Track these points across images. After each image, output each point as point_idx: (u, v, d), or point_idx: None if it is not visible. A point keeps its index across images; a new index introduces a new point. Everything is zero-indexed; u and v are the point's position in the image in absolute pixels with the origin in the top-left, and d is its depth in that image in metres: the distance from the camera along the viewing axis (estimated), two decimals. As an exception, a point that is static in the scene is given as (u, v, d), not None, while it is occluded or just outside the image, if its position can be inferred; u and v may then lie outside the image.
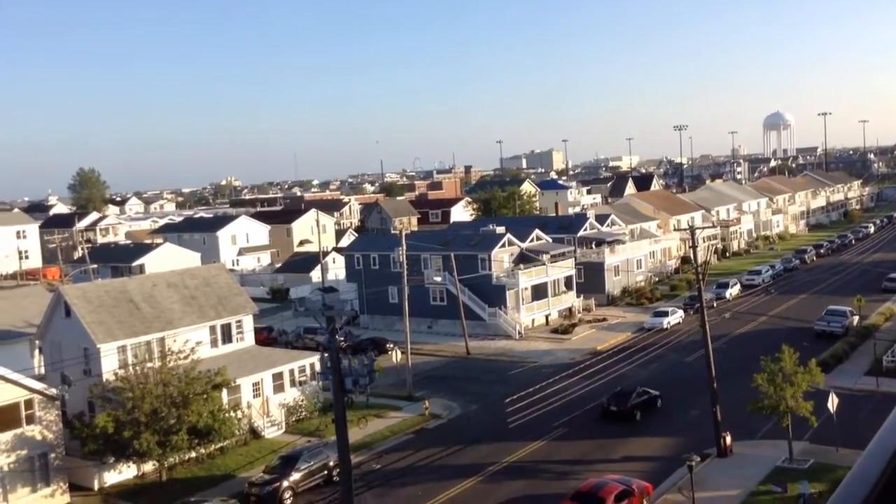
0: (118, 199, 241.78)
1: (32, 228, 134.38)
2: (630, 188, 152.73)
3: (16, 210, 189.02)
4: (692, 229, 47.38)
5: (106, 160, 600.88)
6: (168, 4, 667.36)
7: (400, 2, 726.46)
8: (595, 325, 71.07)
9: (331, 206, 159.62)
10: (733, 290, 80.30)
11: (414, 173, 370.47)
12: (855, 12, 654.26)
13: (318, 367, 45.80)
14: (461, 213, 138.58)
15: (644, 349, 61.59)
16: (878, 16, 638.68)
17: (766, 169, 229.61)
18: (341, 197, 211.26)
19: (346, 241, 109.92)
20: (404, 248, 58.26)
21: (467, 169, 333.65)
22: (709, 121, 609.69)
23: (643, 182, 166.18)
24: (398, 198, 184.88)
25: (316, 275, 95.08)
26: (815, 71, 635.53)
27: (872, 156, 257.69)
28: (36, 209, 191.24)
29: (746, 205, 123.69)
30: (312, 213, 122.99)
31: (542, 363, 59.25)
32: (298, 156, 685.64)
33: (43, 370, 47.83)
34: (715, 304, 73.51)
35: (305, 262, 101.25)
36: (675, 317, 69.44)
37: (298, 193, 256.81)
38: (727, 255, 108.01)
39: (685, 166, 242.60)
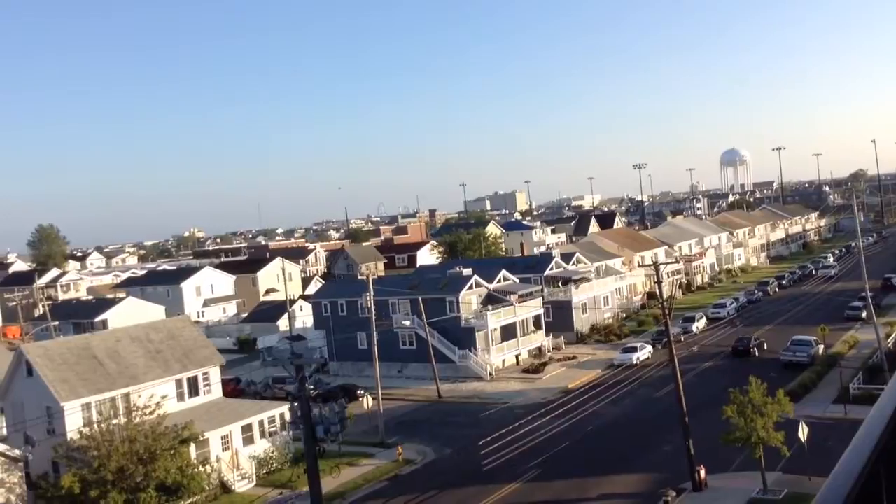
0: (79, 254, 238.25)
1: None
2: (593, 226, 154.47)
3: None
4: (656, 265, 47.99)
5: (65, 216, 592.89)
6: (126, 59, 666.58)
7: (361, 49, 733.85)
8: (565, 363, 71.17)
9: (296, 254, 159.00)
10: (700, 324, 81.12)
11: (379, 218, 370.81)
12: (804, 49, 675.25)
13: (287, 417, 45.10)
14: (428, 256, 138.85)
15: (615, 386, 61.75)
16: (826, 52, 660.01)
17: (725, 204, 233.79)
18: (306, 244, 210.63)
19: (312, 289, 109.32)
20: (371, 293, 58.11)
21: (432, 212, 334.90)
22: (667, 158, 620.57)
23: (606, 220, 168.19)
24: (364, 243, 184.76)
25: (283, 323, 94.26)
26: (769, 107, 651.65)
27: (827, 188, 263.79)
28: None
29: (708, 239, 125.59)
30: (278, 261, 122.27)
31: (514, 404, 59.08)
32: (262, 205, 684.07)
33: (5, 431, 46.58)
34: (682, 339, 74.11)
35: (272, 311, 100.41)
36: (644, 352, 69.87)
37: (263, 242, 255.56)
38: (692, 289, 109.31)
39: (646, 203, 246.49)
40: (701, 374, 62.34)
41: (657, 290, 46.28)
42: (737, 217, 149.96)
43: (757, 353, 66.90)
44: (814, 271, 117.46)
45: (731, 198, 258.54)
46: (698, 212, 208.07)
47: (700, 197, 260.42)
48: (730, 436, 37.32)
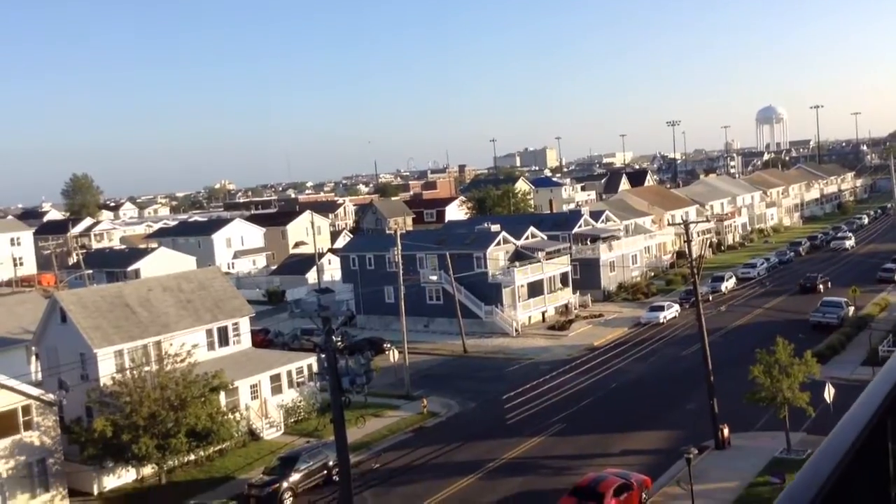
0: (112, 204, 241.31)
1: (27, 235, 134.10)
2: (624, 184, 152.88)
3: (9, 217, 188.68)
4: (686, 224, 47.51)
5: (99, 166, 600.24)
6: (159, 11, 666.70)
7: (388, 4, 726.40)
8: (591, 321, 71.17)
9: (325, 208, 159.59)
10: (729, 284, 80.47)
11: (408, 173, 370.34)
12: (846, 6, 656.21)
13: (315, 368, 45.81)
14: (456, 212, 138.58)
15: (641, 344, 61.72)
16: (869, 10, 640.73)
17: (759, 163, 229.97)
18: (336, 198, 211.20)
19: (341, 243, 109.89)
20: (399, 247, 58.30)
21: (461, 168, 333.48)
22: (701, 116, 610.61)
23: (637, 178, 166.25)
24: (393, 198, 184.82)
25: (312, 276, 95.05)
26: (807, 64, 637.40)
27: (865, 147, 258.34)
28: (30, 216, 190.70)
29: (740, 198, 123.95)
30: (307, 214, 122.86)
31: (539, 360, 59.35)
32: (292, 158, 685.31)
33: (40, 376, 47.74)
34: (710, 298, 73.67)
35: (301, 263, 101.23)
36: (672, 311, 69.58)
37: (293, 195, 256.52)
38: (722, 248, 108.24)
39: (679, 161, 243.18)
40: (728, 333, 62.05)
41: (686, 249, 45.91)
42: (771, 176, 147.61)
43: (822, 290, 73.12)
44: (823, 243, 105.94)
45: (766, 156, 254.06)
46: (732, 170, 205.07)
47: (734, 155, 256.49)
48: (755, 395, 37.24)
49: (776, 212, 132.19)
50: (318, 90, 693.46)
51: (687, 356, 55.33)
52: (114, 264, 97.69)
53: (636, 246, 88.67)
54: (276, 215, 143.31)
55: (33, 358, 50.54)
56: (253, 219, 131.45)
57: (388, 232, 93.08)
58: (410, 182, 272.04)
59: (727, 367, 46.80)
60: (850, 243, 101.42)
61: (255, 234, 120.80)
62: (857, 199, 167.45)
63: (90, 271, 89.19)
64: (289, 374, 48.81)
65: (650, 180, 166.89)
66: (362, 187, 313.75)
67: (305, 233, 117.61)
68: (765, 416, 39.91)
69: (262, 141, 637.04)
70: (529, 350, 62.62)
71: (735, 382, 41.74)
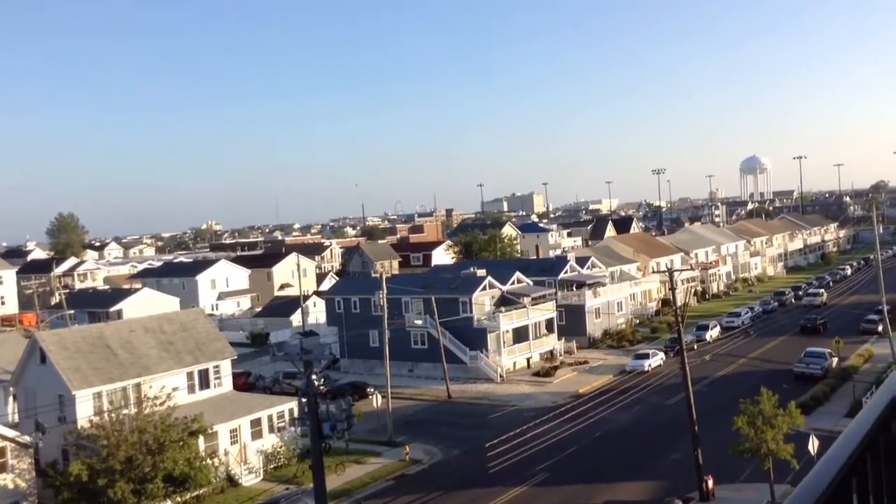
0: (97, 244, 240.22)
1: (9, 274, 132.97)
2: (610, 231, 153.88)
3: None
4: (671, 271, 47.77)
5: (85, 205, 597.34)
6: (148, 52, 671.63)
7: (380, 50, 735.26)
8: (577, 367, 70.95)
9: (312, 250, 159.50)
10: (713, 333, 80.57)
11: (395, 217, 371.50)
12: (828, 58, 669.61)
13: (296, 413, 45.33)
14: (442, 256, 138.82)
15: (626, 392, 61.46)
16: (850, 63, 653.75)
17: (743, 212, 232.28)
18: (323, 241, 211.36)
19: (327, 285, 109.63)
20: (385, 291, 58.18)
21: (448, 212, 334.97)
22: (686, 164, 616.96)
23: (623, 225, 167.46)
24: (379, 241, 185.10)
25: (296, 319, 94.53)
26: (790, 115, 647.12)
27: (848, 199, 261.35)
28: (13, 254, 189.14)
29: (725, 247, 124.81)
30: (293, 256, 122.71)
31: (523, 407, 58.95)
32: (279, 200, 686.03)
33: (17, 417, 46.97)
34: (695, 347, 73.67)
35: (286, 306, 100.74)
36: (656, 359, 69.50)
37: (279, 237, 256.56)
38: (707, 297, 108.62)
39: (664, 209, 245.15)
40: (712, 383, 61.95)
41: (671, 297, 46.05)
42: (755, 225, 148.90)
43: (822, 331, 76.11)
44: (792, 299, 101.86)
45: (749, 206, 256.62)
46: (716, 219, 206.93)
47: (718, 204, 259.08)
48: (739, 446, 37.03)
49: (760, 261, 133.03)
50: (306, 133, 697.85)
51: (671, 405, 55.11)
52: (96, 304, 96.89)
53: (621, 293, 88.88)
54: (262, 257, 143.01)
55: (10, 399, 49.75)
56: (239, 260, 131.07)
57: (374, 275, 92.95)
58: (398, 225, 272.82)
59: (712, 417, 46.63)
60: (821, 300, 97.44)
61: (240, 276, 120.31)
62: (840, 250, 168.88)
63: (72, 311, 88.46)
64: (269, 418, 48.20)
65: (636, 227, 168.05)
66: (349, 230, 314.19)
67: (291, 275, 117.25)
68: (749, 467, 39.66)
69: (249, 183, 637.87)
70: (514, 396, 62.23)
71: (719, 433, 41.54)
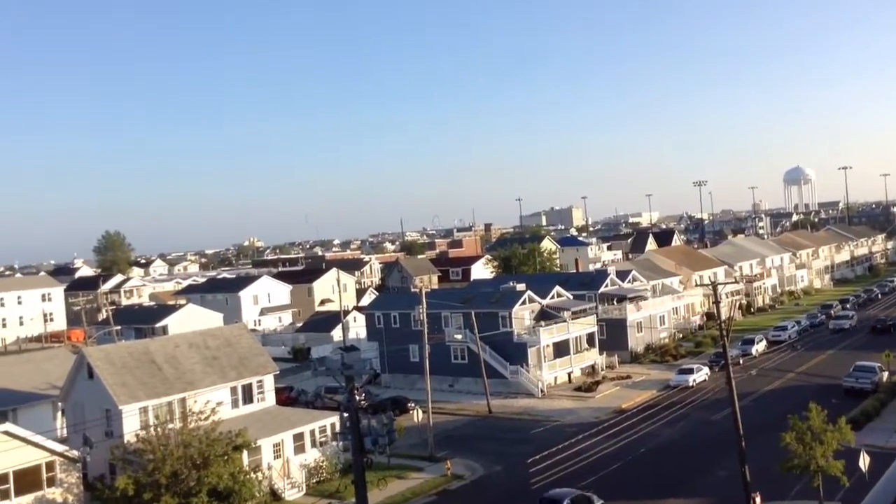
0: (143, 261, 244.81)
1: (58, 291, 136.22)
2: (651, 244, 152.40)
3: (42, 273, 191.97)
4: (715, 284, 47.05)
5: (131, 223, 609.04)
6: (190, 72, 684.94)
7: (417, 61, 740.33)
8: (619, 382, 70.21)
9: (352, 266, 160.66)
10: (759, 347, 79.20)
11: (434, 231, 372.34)
12: (874, 68, 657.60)
13: (338, 428, 45.50)
14: (482, 270, 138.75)
15: (670, 407, 60.62)
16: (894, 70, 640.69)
17: (788, 223, 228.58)
18: (362, 256, 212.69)
19: (366, 300, 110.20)
20: (424, 306, 58.25)
21: (487, 226, 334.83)
22: (728, 176, 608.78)
23: (664, 238, 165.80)
24: (418, 256, 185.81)
25: (337, 334, 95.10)
26: (835, 125, 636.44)
27: (895, 209, 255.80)
28: (61, 272, 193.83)
29: (770, 260, 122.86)
30: (333, 272, 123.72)
31: (565, 422, 58.46)
32: (319, 217, 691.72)
33: (65, 432, 47.88)
34: (741, 361, 72.51)
35: (326, 321, 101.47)
36: (701, 374, 68.48)
37: (320, 253, 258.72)
38: (752, 310, 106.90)
39: (706, 221, 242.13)
40: (759, 398, 60.82)
41: (715, 311, 45.37)
42: (800, 237, 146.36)
43: (893, 332, 77.94)
44: (878, 295, 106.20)
45: (794, 217, 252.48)
46: (760, 231, 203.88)
47: (762, 216, 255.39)
48: (788, 463, 36.21)
49: (806, 273, 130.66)
50: (345, 148, 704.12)
51: (717, 421, 54.22)
52: (142, 320, 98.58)
53: (664, 306, 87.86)
54: (302, 272, 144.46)
55: (59, 414, 50.75)
56: (280, 276, 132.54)
57: (413, 290, 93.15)
58: (436, 240, 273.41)
59: (759, 433, 45.76)
60: (850, 323, 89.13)
61: (281, 292, 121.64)
62: (888, 261, 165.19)
63: (119, 327, 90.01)
64: (312, 433, 48.43)
65: (677, 240, 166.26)
66: (388, 245, 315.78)
67: (331, 290, 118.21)
68: (797, 484, 38.78)
69: (290, 199, 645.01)
70: (556, 412, 61.74)
71: (767, 449, 40.74)
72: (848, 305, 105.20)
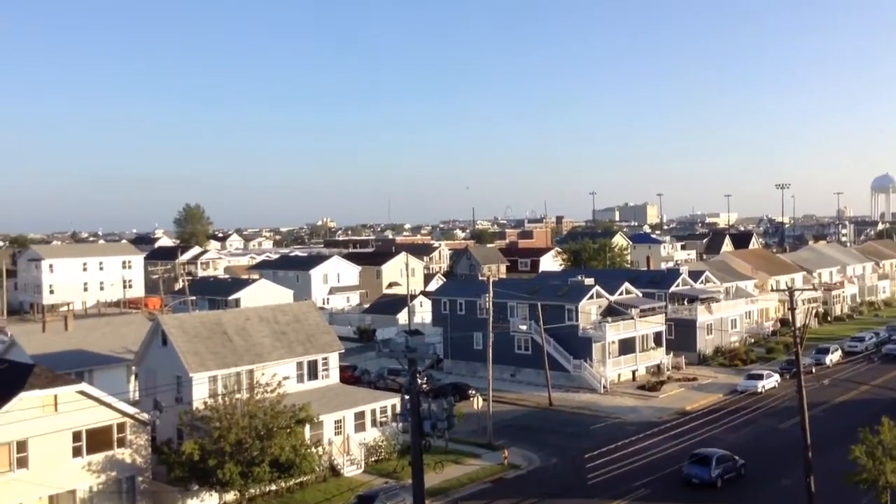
0: (220, 234, 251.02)
1: (138, 259, 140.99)
2: (727, 245, 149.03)
3: (123, 241, 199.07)
4: (791, 290, 45.70)
5: (211, 197, 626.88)
6: (276, 54, 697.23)
7: (503, 60, 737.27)
8: (684, 384, 68.98)
9: (421, 250, 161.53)
10: (834, 357, 76.67)
11: (505, 221, 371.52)
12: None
13: (398, 409, 46.00)
14: (551, 262, 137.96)
15: (735, 412, 59.30)
16: None
17: (872, 232, 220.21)
18: (432, 242, 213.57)
19: (434, 286, 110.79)
20: (491, 294, 58.25)
21: (559, 219, 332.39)
22: (813, 180, 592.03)
23: (741, 240, 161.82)
24: (488, 245, 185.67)
25: (403, 317, 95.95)
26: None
27: None
28: (142, 241, 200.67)
29: (851, 268, 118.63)
30: (402, 256, 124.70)
31: (626, 420, 57.81)
32: (392, 200, 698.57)
33: (137, 395, 49.66)
34: (813, 370, 70.40)
35: (393, 304, 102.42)
36: (771, 381, 66.73)
37: (390, 236, 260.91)
38: (829, 319, 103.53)
39: (786, 226, 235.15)
40: (830, 409, 58.97)
41: (790, 317, 44.13)
42: (885, 247, 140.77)
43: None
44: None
45: (880, 226, 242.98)
46: (843, 238, 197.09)
47: (846, 223, 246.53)
48: (856, 476, 35.11)
49: (889, 284, 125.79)
50: (422, 136, 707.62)
51: (785, 429, 52.82)
52: (216, 292, 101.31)
53: (736, 310, 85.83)
54: (372, 255, 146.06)
55: (133, 377, 52.64)
56: (350, 257, 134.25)
57: (480, 278, 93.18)
58: (507, 230, 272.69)
59: (827, 445, 44.46)
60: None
61: (351, 272, 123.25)
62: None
63: (194, 297, 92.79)
64: (373, 412, 49.11)
65: (755, 243, 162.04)
66: (459, 232, 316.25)
67: (400, 274, 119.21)
68: (864, 499, 37.60)
69: (365, 183, 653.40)
70: (617, 409, 61.09)
71: (834, 462, 39.55)
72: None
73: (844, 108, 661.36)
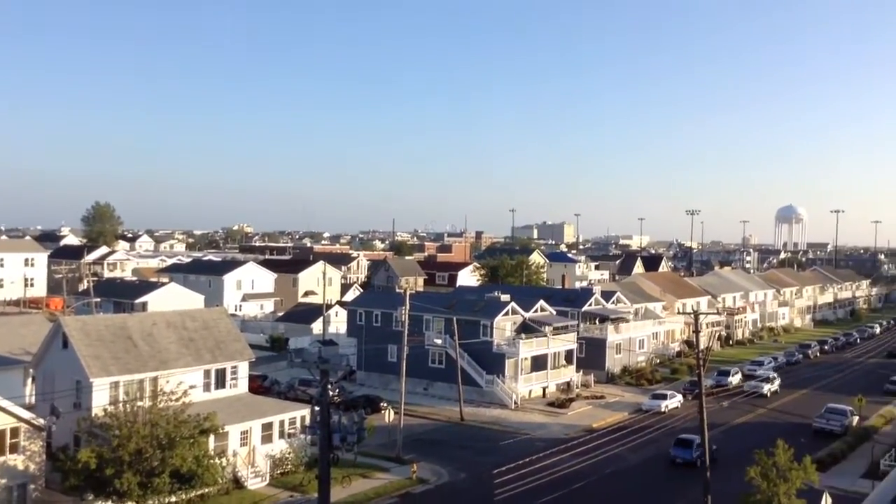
0: (129, 235, 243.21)
1: (41, 257, 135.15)
2: (638, 267, 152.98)
3: (27, 238, 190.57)
4: (696, 314, 47.24)
5: (122, 196, 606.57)
6: (189, 58, 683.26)
7: (423, 70, 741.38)
8: (592, 401, 70.31)
9: (339, 260, 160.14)
10: (734, 379, 79.43)
11: (425, 234, 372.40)
12: (875, 117, 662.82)
13: (307, 421, 45.35)
14: (468, 277, 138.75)
15: (640, 431, 60.78)
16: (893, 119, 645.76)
17: (775, 260, 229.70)
18: (351, 252, 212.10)
19: (351, 296, 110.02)
20: (407, 307, 58.21)
21: (478, 234, 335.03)
22: (721, 208, 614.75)
23: (652, 262, 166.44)
24: (407, 257, 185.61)
25: (317, 327, 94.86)
26: (831, 168, 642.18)
27: (883, 256, 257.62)
28: (47, 238, 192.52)
29: (753, 294, 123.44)
30: (320, 265, 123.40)
31: (535, 436, 58.51)
32: (313, 208, 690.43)
33: (33, 399, 47.53)
34: (715, 392, 72.76)
35: (308, 313, 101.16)
36: (674, 401, 68.69)
37: (308, 244, 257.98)
38: (730, 342, 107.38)
39: (695, 251, 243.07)
40: (728, 430, 61.05)
41: (695, 339, 45.60)
42: (786, 275, 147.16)
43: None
44: (857, 340, 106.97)
45: (782, 255, 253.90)
46: (747, 265, 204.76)
47: (751, 250, 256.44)
48: (750, 497, 36.40)
49: (788, 311, 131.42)
50: (344, 145, 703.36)
51: (685, 449, 54.29)
52: (123, 295, 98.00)
53: (644, 330, 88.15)
54: (289, 262, 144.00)
55: (30, 380, 50.37)
56: (266, 264, 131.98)
57: (398, 290, 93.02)
58: (426, 243, 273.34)
59: (725, 465, 45.94)
60: (769, 388, 74.82)
61: (266, 279, 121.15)
62: (871, 308, 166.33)
63: (98, 299, 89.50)
64: (281, 423, 48.26)
65: (665, 266, 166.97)
66: (378, 243, 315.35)
67: (317, 282, 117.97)
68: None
69: (284, 189, 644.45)
70: (527, 425, 61.78)
71: (731, 482, 40.93)
72: (826, 347, 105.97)
73: (752, 138, 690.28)
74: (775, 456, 36.30)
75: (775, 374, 79.88)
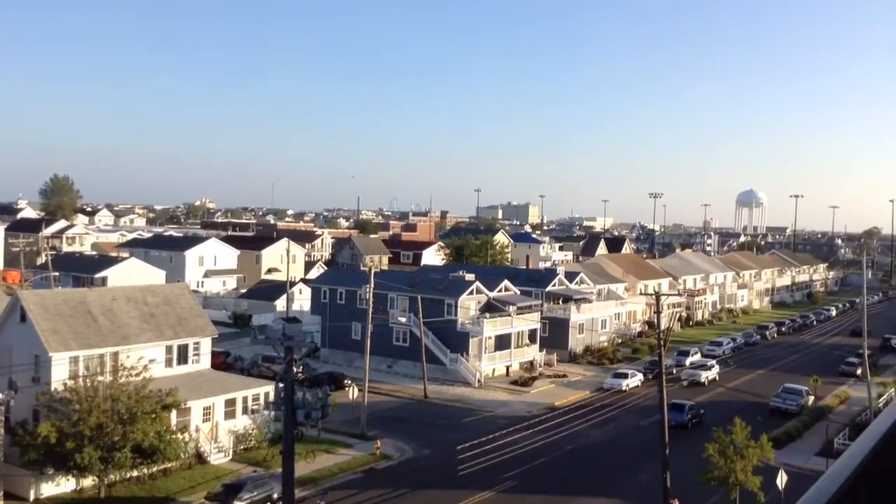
0: (89, 209, 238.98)
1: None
2: (602, 249, 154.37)
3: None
4: (657, 295, 47.87)
5: (81, 169, 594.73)
6: (159, 21, 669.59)
7: (388, 48, 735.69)
8: (555, 380, 71.07)
9: (303, 237, 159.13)
10: (693, 359, 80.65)
11: (390, 213, 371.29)
12: (834, 102, 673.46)
13: (271, 397, 45.26)
14: (433, 256, 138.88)
15: (601, 409, 61.63)
16: (857, 107, 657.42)
17: (735, 244, 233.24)
18: (315, 229, 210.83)
19: (315, 273, 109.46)
20: (372, 285, 58.16)
21: (443, 214, 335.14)
22: (684, 191, 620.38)
23: (615, 244, 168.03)
24: (372, 236, 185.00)
25: (281, 304, 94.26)
26: (792, 154, 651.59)
27: (840, 241, 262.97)
28: (4, 211, 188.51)
29: (713, 277, 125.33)
30: (284, 242, 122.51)
31: (498, 413, 59.03)
32: (276, 185, 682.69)
33: (-10, 374, 46.67)
34: (675, 371, 73.90)
35: (271, 290, 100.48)
36: (635, 380, 69.69)
37: (272, 221, 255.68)
38: (690, 323, 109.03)
39: (657, 233, 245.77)
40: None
41: (656, 320, 46.26)
42: (745, 258, 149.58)
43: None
44: (814, 322, 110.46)
45: (742, 238, 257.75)
46: (708, 248, 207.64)
47: (711, 233, 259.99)
48: (708, 474, 37.21)
49: (747, 294, 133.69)
50: (309, 120, 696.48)
51: (645, 426, 55.29)
52: (82, 269, 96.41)
53: (607, 311, 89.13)
54: (252, 239, 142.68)
55: (-14, 354, 49.41)
56: (229, 240, 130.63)
57: (362, 268, 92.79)
58: (391, 222, 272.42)
59: (684, 442, 46.80)
60: (707, 376, 72.17)
61: (228, 256, 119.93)
62: (827, 291, 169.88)
63: (57, 274, 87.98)
64: (244, 399, 48.10)
65: (627, 248, 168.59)
66: (343, 221, 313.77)
67: (280, 260, 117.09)
68: (715, 496, 39.83)
69: (248, 163, 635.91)
70: (490, 403, 62.29)
71: (690, 459, 41.72)
72: (784, 328, 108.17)
73: (715, 121, 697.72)
74: (733, 434, 37.10)
75: (713, 362, 76.84)
